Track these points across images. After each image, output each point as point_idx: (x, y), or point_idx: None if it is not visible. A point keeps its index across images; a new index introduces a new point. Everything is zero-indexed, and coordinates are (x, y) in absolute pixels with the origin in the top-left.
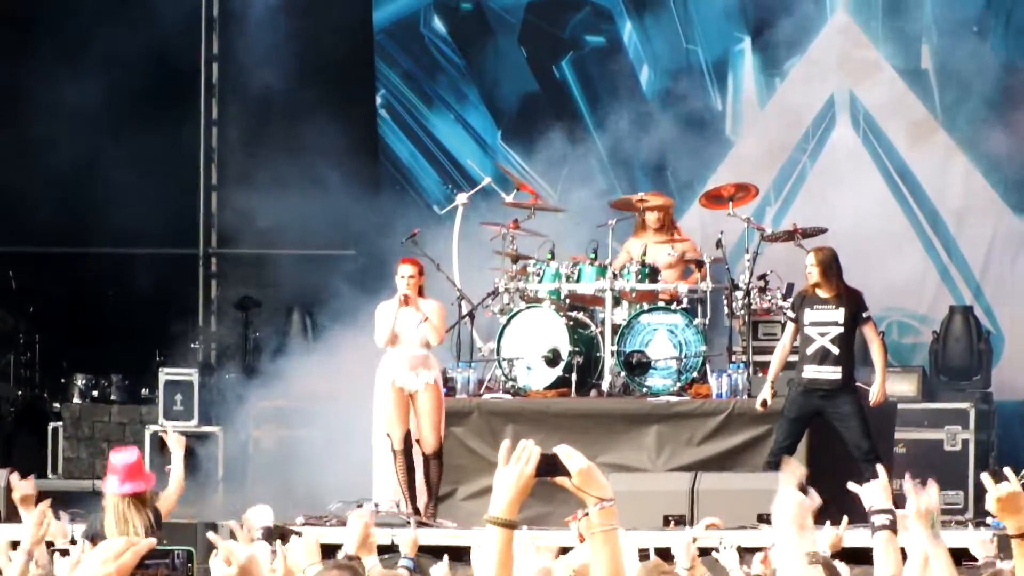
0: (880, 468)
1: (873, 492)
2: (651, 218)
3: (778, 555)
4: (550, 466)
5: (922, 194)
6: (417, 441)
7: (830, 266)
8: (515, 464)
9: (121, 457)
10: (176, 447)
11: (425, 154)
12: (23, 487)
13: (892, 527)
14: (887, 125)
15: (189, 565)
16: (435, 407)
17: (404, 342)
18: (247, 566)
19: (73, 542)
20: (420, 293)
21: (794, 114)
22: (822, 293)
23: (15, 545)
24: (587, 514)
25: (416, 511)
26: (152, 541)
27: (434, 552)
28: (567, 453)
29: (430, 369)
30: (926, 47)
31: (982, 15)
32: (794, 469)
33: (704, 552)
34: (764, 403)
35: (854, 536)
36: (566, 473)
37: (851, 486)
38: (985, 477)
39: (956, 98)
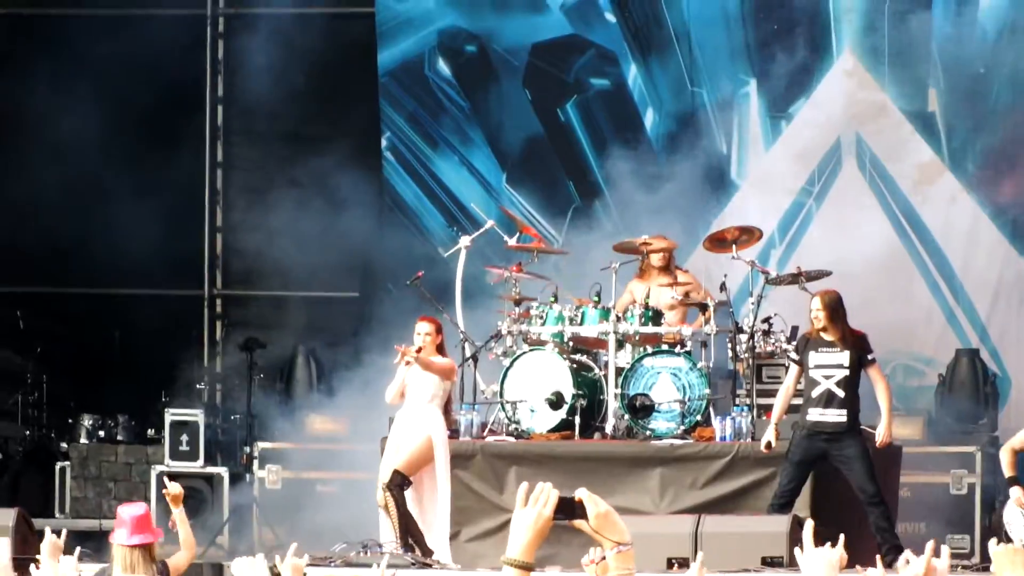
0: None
1: None
2: (654, 261)
3: None
4: (568, 509)
5: (928, 236)
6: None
7: (836, 309)
8: (533, 506)
9: (129, 511)
10: (174, 507)
11: (430, 196)
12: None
13: None
14: (893, 167)
15: None
16: (412, 449)
17: (409, 398)
18: None
19: None
20: (441, 351)
21: (800, 156)
22: (827, 336)
23: (17, 563)
24: (604, 558)
25: (416, 551)
26: None
27: None
28: (586, 496)
29: (424, 423)
30: (933, 90)
31: (989, 58)
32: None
33: None
34: (768, 445)
35: None
36: (584, 516)
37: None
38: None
39: (963, 141)
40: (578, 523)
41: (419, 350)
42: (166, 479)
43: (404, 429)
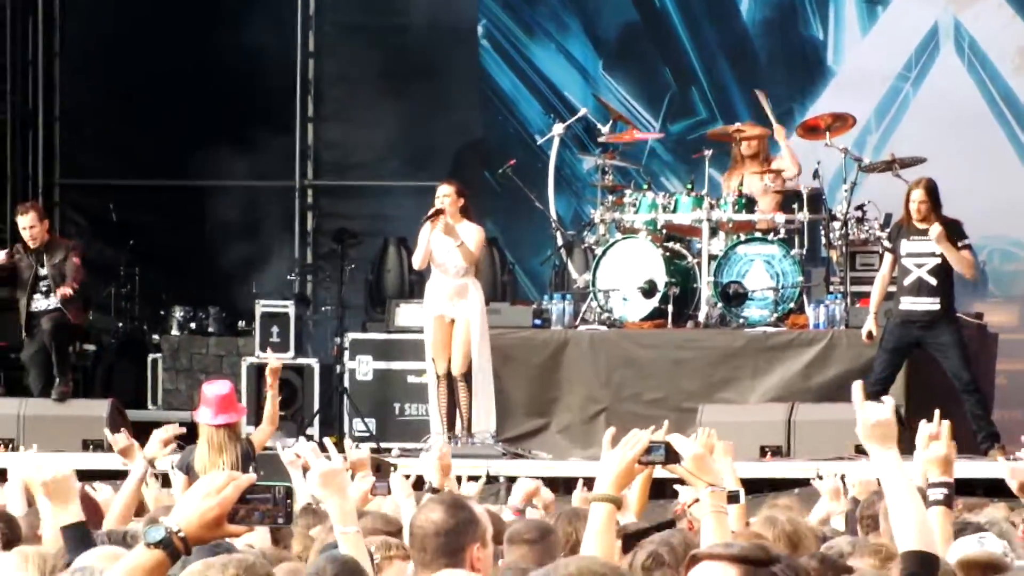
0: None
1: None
2: (747, 148)
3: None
4: (661, 452)
5: None
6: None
7: (937, 197)
8: (622, 448)
9: (213, 389)
10: (270, 379)
11: (526, 83)
12: (119, 441)
13: (947, 502)
14: (993, 52)
15: (289, 501)
16: (466, 338)
17: (442, 270)
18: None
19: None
20: (466, 215)
21: (897, 42)
22: (921, 224)
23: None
24: (697, 500)
25: (453, 438)
26: (252, 476)
27: None
28: (677, 440)
29: (467, 299)
30: None
31: None
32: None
33: (803, 483)
34: (869, 335)
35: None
36: (676, 459)
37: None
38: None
39: None
40: (672, 466)
41: (441, 212)
42: (271, 359)
43: (445, 305)
